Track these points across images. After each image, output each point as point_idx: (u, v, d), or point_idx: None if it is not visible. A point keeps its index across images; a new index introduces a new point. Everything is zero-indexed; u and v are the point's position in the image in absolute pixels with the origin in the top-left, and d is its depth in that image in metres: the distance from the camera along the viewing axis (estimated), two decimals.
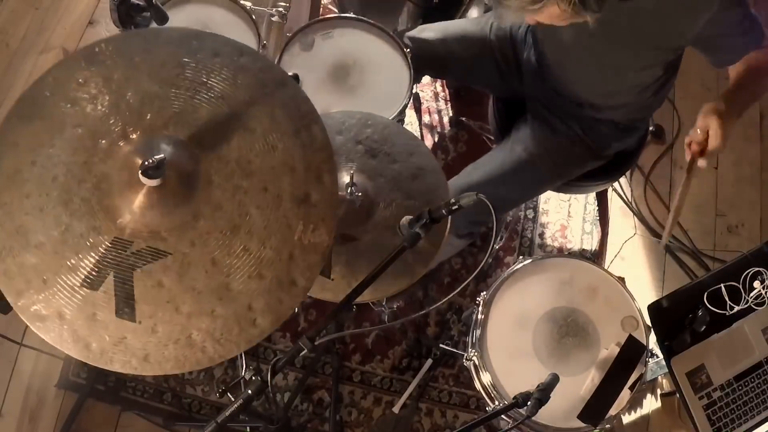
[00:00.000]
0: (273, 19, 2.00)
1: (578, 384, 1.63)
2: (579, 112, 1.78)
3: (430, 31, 1.94)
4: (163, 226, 1.08)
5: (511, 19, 1.34)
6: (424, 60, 1.91)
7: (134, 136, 1.12)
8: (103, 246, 1.06)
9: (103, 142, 1.11)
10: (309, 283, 1.09)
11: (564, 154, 1.80)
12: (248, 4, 1.92)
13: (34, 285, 1.05)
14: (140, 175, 1.05)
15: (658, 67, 1.60)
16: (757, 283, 1.72)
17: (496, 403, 1.62)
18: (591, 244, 2.36)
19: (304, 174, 1.14)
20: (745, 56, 1.54)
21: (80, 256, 1.06)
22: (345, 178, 1.44)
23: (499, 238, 2.31)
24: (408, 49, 1.88)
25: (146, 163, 1.04)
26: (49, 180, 1.09)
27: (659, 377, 2.09)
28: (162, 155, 1.06)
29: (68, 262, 1.06)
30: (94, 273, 1.05)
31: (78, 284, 1.05)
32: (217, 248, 1.08)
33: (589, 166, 1.86)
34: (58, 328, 1.04)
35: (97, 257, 1.06)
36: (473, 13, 2.29)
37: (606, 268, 1.84)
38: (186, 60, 1.18)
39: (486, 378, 1.63)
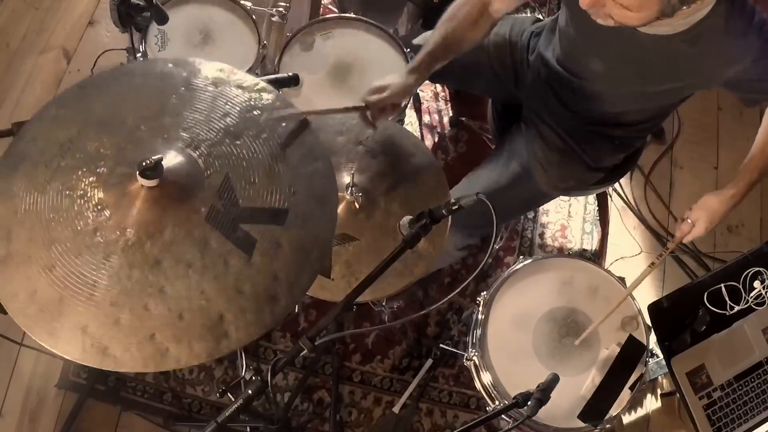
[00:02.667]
0: (273, 19, 2.00)
1: (578, 384, 1.63)
2: (577, 125, 1.76)
3: (424, 37, 1.93)
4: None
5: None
6: None
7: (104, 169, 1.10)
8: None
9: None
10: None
11: (559, 168, 1.79)
12: (248, 4, 1.92)
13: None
14: (139, 177, 1.05)
15: (678, 99, 1.63)
16: (757, 283, 1.72)
17: (497, 403, 1.62)
18: (591, 244, 2.36)
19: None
20: None
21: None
22: (345, 179, 1.44)
23: (499, 239, 2.32)
24: (408, 50, 1.88)
25: (144, 163, 1.05)
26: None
27: (659, 377, 2.09)
28: (159, 156, 1.06)
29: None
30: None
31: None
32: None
33: (584, 179, 1.85)
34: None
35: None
36: None
37: (606, 268, 1.84)
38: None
39: (486, 378, 1.63)
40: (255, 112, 1.20)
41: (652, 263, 1.68)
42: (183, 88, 1.19)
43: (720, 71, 1.46)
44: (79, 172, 1.09)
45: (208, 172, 1.12)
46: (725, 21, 1.33)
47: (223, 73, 1.23)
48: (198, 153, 1.13)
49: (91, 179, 1.08)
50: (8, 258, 1.04)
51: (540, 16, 2.22)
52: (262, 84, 1.23)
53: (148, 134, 1.14)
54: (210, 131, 1.16)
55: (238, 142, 1.16)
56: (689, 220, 1.66)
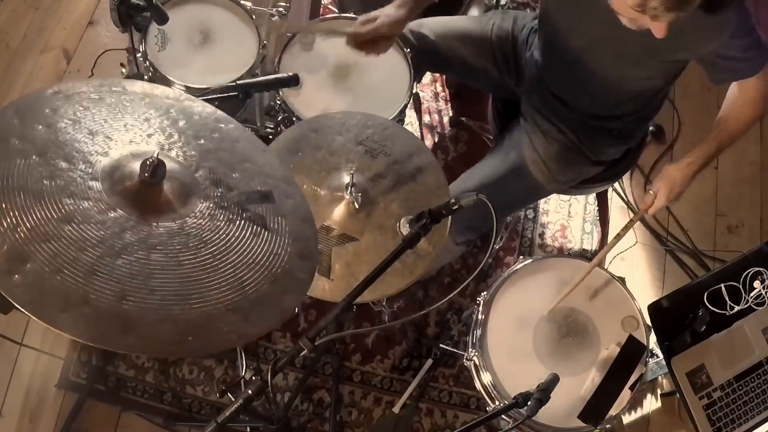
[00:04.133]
0: (273, 19, 2.00)
1: (578, 384, 1.63)
2: (575, 119, 1.77)
3: (430, 26, 1.93)
4: None
5: None
6: (425, 56, 1.90)
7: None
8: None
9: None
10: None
11: (557, 161, 1.80)
12: (248, 4, 1.92)
13: None
14: (147, 178, 1.06)
15: (660, 78, 1.62)
16: (757, 283, 1.72)
17: (497, 403, 1.62)
18: (591, 244, 2.36)
19: None
20: (742, 85, 1.59)
21: None
22: (345, 179, 1.44)
23: (499, 239, 2.31)
24: (408, 49, 1.88)
25: (147, 163, 1.05)
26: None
27: (659, 377, 2.09)
28: (156, 154, 1.08)
29: None
30: None
31: None
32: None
33: (584, 172, 1.85)
34: None
35: None
36: (473, 12, 2.29)
37: (606, 268, 1.84)
38: None
39: (486, 378, 1.63)
40: (196, 117, 1.25)
41: (617, 235, 1.74)
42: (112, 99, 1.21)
43: (696, 47, 1.49)
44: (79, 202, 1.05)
45: (193, 168, 1.16)
46: None
47: (149, 88, 1.27)
48: (175, 153, 1.17)
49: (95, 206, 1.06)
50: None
51: None
52: (184, 95, 1.29)
53: (118, 147, 1.14)
54: (172, 135, 1.20)
55: (200, 142, 1.21)
56: (651, 192, 1.69)
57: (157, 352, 1.04)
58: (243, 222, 1.14)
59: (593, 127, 1.77)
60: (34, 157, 1.06)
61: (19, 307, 0.95)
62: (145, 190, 1.08)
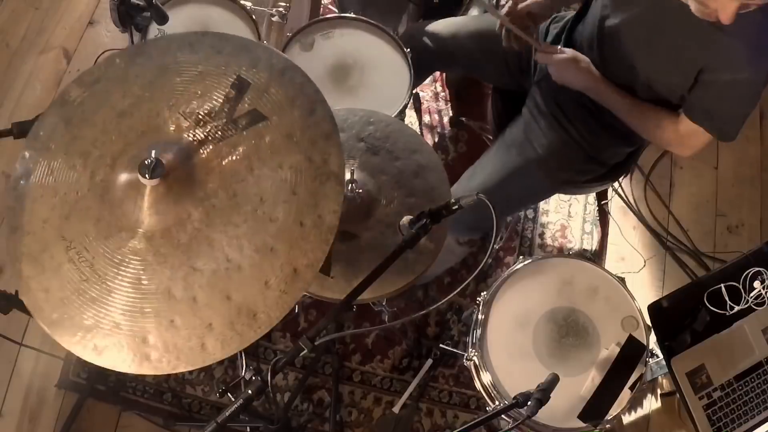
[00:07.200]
0: (273, 19, 2.00)
1: (578, 384, 1.63)
2: (582, 115, 1.76)
3: (439, 26, 1.94)
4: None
5: None
6: (434, 55, 1.89)
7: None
8: None
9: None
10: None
11: (558, 157, 1.79)
12: (248, 4, 1.92)
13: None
14: (140, 177, 1.05)
15: (678, 94, 1.61)
16: (757, 283, 1.72)
17: (497, 403, 1.62)
18: (591, 244, 2.36)
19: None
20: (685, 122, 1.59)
21: None
22: (346, 175, 1.44)
23: (499, 239, 2.31)
24: (408, 50, 1.88)
25: (146, 162, 1.05)
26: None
27: (659, 377, 2.09)
28: (153, 155, 1.07)
29: None
30: None
31: None
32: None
33: (585, 172, 1.85)
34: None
35: None
36: (473, 12, 2.29)
37: (606, 268, 1.84)
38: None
39: (486, 378, 1.63)
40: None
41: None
42: None
43: (724, 65, 1.47)
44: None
45: (173, 128, 1.15)
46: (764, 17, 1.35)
47: None
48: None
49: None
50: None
51: None
52: None
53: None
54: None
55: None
56: (561, 48, 1.69)
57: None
58: (247, 137, 1.12)
59: (599, 123, 1.75)
60: None
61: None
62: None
